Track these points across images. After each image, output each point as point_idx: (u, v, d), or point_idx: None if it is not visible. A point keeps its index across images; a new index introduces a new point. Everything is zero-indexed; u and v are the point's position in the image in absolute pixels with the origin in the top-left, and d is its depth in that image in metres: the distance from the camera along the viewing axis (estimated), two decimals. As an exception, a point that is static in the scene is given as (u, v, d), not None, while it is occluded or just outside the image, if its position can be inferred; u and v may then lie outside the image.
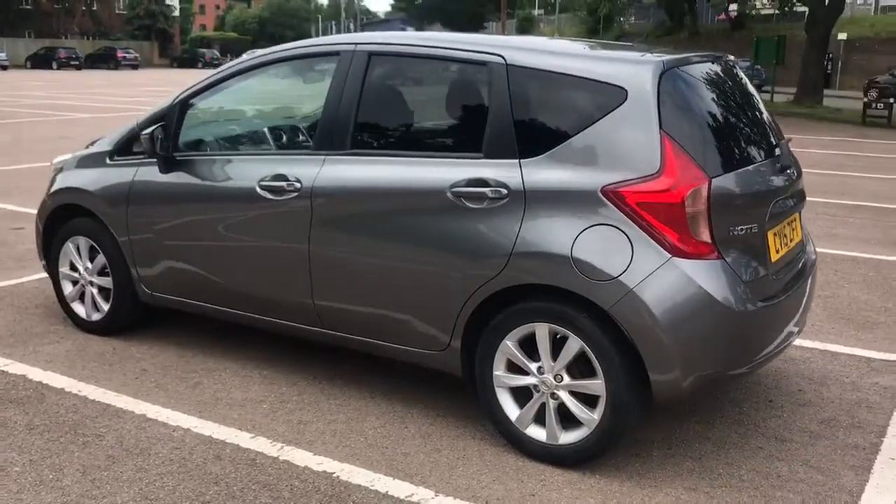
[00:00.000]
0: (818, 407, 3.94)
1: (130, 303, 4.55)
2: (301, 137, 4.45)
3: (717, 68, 3.64)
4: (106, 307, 4.62)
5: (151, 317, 4.78)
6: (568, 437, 3.28)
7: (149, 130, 4.06)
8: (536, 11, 67.66)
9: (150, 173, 4.26)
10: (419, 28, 64.88)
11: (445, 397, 3.90)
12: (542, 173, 3.22)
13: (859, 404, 3.97)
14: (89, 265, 4.65)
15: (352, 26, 74.20)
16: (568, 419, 3.30)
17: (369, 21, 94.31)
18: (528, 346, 3.31)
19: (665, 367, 3.04)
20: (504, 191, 3.25)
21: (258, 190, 3.84)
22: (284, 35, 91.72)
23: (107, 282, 4.59)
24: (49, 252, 4.84)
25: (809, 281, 3.74)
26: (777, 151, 3.64)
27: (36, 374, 4.13)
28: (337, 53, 3.82)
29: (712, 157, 3.17)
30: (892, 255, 6.96)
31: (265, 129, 4.55)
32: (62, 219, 4.73)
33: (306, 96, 4.77)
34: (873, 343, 4.82)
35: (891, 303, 5.60)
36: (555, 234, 3.16)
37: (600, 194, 3.09)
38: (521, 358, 3.32)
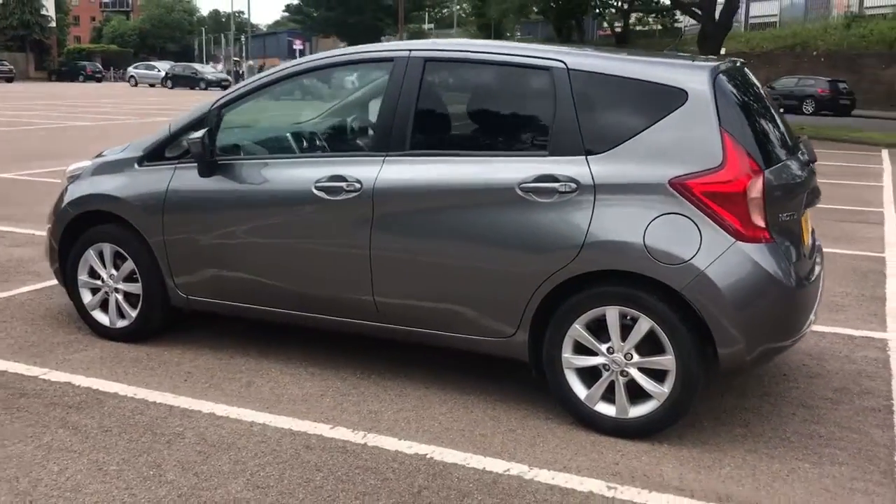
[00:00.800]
0: (827, 378, 4.37)
1: (161, 308, 4.55)
2: (352, 139, 4.57)
3: (739, 73, 4.02)
4: (133, 313, 4.60)
5: (175, 321, 4.79)
6: (637, 411, 3.56)
7: (198, 135, 4.09)
8: (427, 26, 68.61)
9: (187, 177, 4.30)
10: (310, 41, 64.53)
11: (498, 383, 4.11)
12: (610, 168, 3.50)
13: (860, 374, 4.43)
14: (114, 272, 4.61)
15: (243, 39, 72.94)
16: (634, 394, 3.58)
17: (254, 34, 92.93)
18: (595, 328, 3.58)
19: (732, 341, 3.37)
20: (574, 185, 3.52)
21: (314, 191, 3.96)
22: (166, 47, 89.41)
23: (134, 288, 4.56)
24: (65, 261, 4.76)
25: (821, 271, 4.13)
26: (801, 147, 4.06)
27: (80, 380, 4.09)
28: (391, 60, 3.99)
29: (762, 151, 3.52)
30: (831, 248, 7.61)
31: (312, 133, 4.65)
32: (80, 227, 4.68)
33: (350, 101, 4.90)
34: (847, 322, 5.34)
35: (848, 287, 6.19)
36: (626, 223, 3.44)
37: (668, 186, 3.40)
38: (590, 339, 3.58)
